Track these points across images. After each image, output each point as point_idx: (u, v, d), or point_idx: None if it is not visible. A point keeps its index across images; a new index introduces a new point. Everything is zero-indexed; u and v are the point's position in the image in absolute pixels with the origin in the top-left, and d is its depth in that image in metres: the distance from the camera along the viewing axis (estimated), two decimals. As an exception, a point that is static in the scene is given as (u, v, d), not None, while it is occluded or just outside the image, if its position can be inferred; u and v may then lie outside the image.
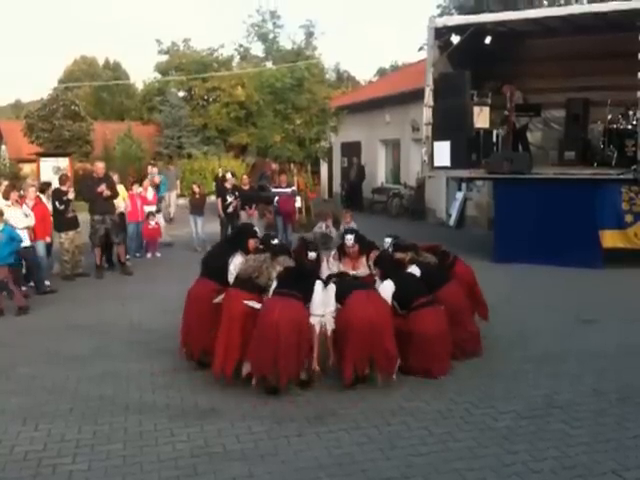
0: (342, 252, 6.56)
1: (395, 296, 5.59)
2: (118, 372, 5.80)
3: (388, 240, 6.62)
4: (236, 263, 5.79)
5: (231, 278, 5.68)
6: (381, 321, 5.16)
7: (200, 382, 5.49)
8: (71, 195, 10.31)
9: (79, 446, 4.36)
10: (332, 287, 5.38)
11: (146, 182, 13.44)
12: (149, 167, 15.95)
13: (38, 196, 9.79)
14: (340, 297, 5.28)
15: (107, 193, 10.39)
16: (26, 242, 9.03)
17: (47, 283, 9.62)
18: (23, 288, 9.19)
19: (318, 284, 5.33)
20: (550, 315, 7.52)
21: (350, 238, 6.37)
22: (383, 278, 5.78)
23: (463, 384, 5.34)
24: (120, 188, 11.84)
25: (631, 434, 4.37)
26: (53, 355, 6.37)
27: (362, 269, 6.35)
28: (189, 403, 5.08)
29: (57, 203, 10.07)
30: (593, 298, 8.43)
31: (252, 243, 6.07)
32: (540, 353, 6.14)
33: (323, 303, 5.24)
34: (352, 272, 6.16)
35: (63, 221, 10.15)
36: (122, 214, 11.68)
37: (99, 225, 10.46)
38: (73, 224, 10.29)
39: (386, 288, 5.61)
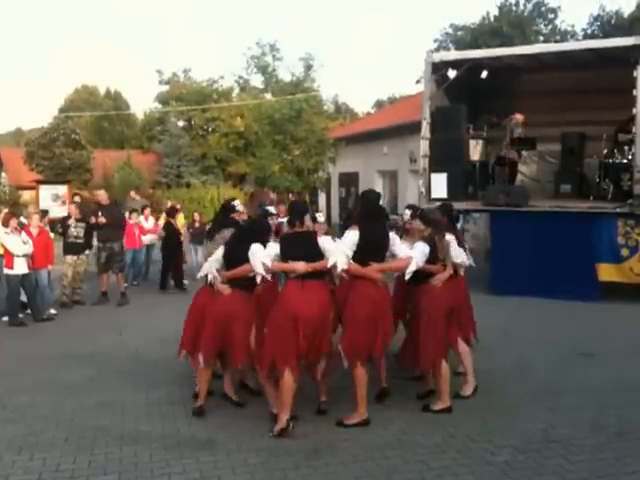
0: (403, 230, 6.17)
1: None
2: (114, 402, 5.77)
3: (407, 212, 5.86)
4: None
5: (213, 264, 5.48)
6: (319, 319, 4.92)
7: (197, 413, 5.46)
8: (71, 221, 10.45)
9: (74, 476, 4.32)
10: (274, 246, 5.10)
11: (146, 211, 13.55)
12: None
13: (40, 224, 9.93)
14: (284, 257, 5.00)
15: (101, 221, 10.62)
16: (24, 269, 9.07)
17: (53, 311, 9.68)
18: (20, 315, 9.21)
19: (254, 246, 5.06)
20: (548, 348, 7.51)
21: (407, 213, 5.93)
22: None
23: (460, 417, 5.31)
24: (180, 217, 12.64)
25: (630, 469, 4.34)
26: (49, 384, 6.33)
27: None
28: (185, 434, 5.04)
29: (58, 226, 10.50)
30: (591, 331, 8.42)
31: (236, 217, 6.00)
32: (538, 387, 6.11)
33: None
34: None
35: (63, 245, 10.46)
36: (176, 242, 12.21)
37: (100, 252, 10.77)
38: (73, 249, 10.44)
39: (419, 250, 5.29)
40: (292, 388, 4.90)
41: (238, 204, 6.34)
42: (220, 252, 5.35)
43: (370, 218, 5.26)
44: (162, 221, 12.98)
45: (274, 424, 4.96)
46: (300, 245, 5.02)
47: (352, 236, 5.10)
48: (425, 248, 5.39)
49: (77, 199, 14.07)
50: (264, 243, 5.17)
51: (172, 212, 12.69)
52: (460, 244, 5.96)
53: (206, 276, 5.58)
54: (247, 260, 5.08)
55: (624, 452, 4.60)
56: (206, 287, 5.73)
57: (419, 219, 5.72)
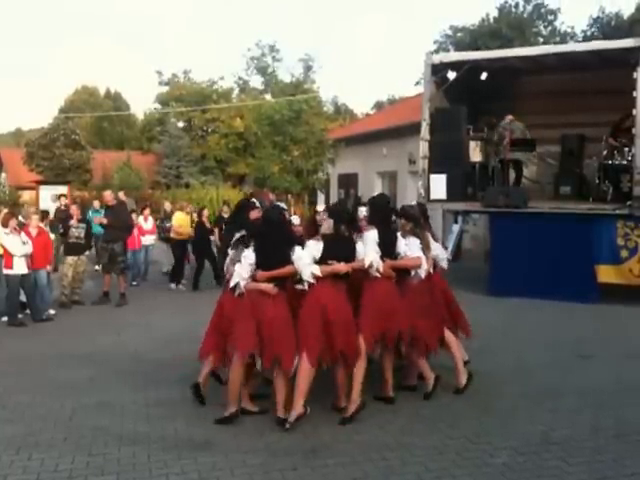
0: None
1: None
2: (113, 402, 5.76)
3: (363, 210, 6.08)
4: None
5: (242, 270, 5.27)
6: (348, 318, 5.13)
7: (195, 413, 5.44)
8: (72, 221, 10.47)
9: (72, 477, 4.31)
10: (314, 247, 5.16)
11: (146, 212, 13.54)
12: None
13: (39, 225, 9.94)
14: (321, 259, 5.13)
15: (102, 221, 10.71)
16: (24, 270, 9.07)
17: (52, 312, 9.67)
18: (20, 315, 9.20)
19: (298, 250, 5.11)
20: (547, 350, 7.51)
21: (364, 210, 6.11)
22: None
23: (459, 419, 5.30)
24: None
25: (629, 471, 4.33)
26: (48, 384, 6.31)
27: None
28: (184, 435, 5.03)
29: (60, 226, 10.65)
30: (590, 333, 8.42)
31: (254, 214, 5.92)
32: (537, 388, 6.11)
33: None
34: None
35: (64, 246, 10.59)
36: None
37: (102, 253, 10.95)
38: (74, 249, 10.48)
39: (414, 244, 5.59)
40: (311, 374, 4.98)
41: (255, 200, 6.37)
42: (251, 257, 5.16)
43: (383, 220, 5.59)
44: (175, 221, 12.74)
45: (278, 426, 4.97)
46: (341, 247, 5.21)
47: (374, 235, 5.35)
48: (417, 241, 5.72)
49: (63, 200, 14.07)
50: (297, 239, 5.32)
51: (201, 212, 12.66)
52: (435, 240, 6.34)
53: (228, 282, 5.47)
54: (283, 259, 5.06)
55: (623, 454, 4.60)
56: (228, 292, 5.53)
57: (400, 215, 5.97)
